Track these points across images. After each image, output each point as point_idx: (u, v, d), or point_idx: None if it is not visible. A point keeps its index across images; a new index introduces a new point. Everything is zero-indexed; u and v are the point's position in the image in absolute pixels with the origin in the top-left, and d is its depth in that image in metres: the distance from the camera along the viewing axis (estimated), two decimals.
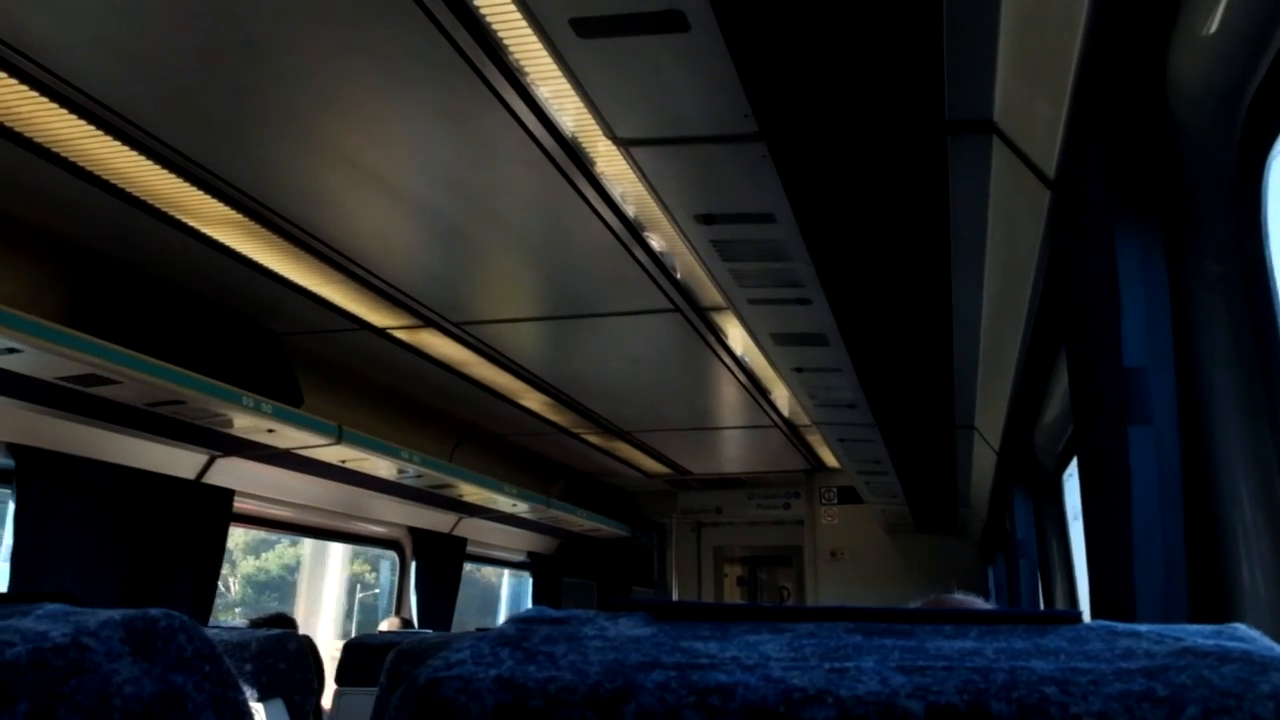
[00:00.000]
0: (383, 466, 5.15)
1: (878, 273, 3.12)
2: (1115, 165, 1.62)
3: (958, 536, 8.36)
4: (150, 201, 3.25)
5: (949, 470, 6.07)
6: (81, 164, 3.00)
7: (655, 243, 3.64)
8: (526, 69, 2.52)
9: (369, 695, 2.98)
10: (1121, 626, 0.66)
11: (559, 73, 2.14)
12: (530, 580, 8.72)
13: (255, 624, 4.60)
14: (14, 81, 2.55)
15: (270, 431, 4.25)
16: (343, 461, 4.92)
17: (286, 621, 4.72)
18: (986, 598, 2.91)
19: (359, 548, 9.10)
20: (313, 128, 2.81)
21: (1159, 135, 1.57)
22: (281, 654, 2.90)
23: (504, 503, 6.49)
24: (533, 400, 5.98)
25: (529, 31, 2.07)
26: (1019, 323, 2.85)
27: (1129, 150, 1.61)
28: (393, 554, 6.89)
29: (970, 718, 0.58)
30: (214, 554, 4.69)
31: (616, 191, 3.21)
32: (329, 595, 11.11)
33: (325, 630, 10.82)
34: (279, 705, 2.82)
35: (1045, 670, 0.61)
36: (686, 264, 3.79)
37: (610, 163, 2.99)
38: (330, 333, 4.61)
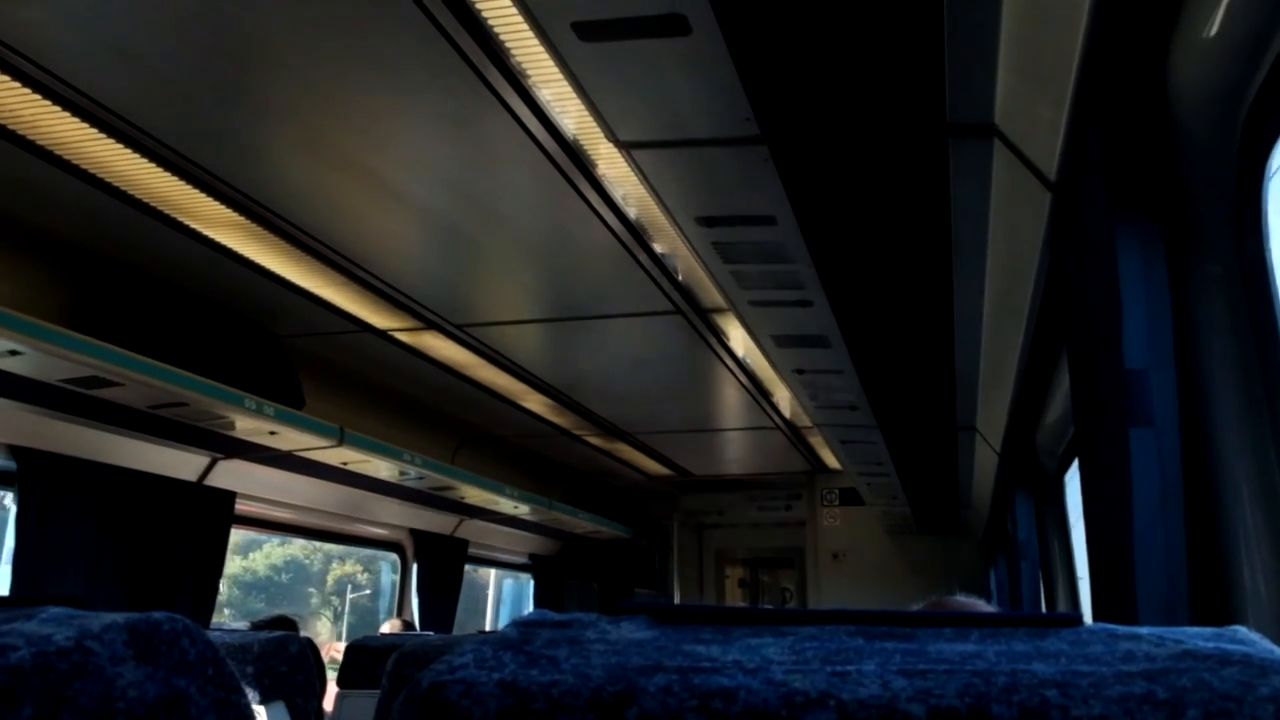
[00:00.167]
0: (384, 468, 5.15)
1: (879, 275, 3.13)
2: (1116, 167, 1.62)
3: (959, 538, 8.36)
4: (152, 204, 3.25)
5: (950, 472, 6.07)
6: (84, 166, 3.00)
7: (657, 245, 3.65)
8: (528, 72, 2.52)
9: (371, 698, 2.98)
10: (1122, 629, 0.66)
11: (561, 76, 2.14)
12: (526, 583, 8.72)
13: (257, 627, 4.60)
14: (17, 84, 2.55)
15: (272, 434, 4.25)
16: (344, 464, 4.92)
17: (288, 624, 4.73)
18: (988, 599, 2.91)
19: (349, 548, 9.11)
20: (315, 130, 2.81)
21: (1160, 137, 1.57)
22: (283, 656, 2.90)
23: (505, 505, 6.49)
24: (534, 402, 5.98)
25: (531, 35, 2.08)
26: (1020, 324, 2.85)
27: (1130, 152, 1.61)
28: (393, 556, 6.90)
29: None
30: (216, 556, 4.70)
31: (618, 194, 3.21)
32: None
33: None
34: (281, 708, 2.83)
35: (1046, 673, 0.61)
36: (688, 266, 3.80)
37: (612, 165, 2.99)
38: (332, 335, 4.61)
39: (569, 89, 2.22)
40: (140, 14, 2.30)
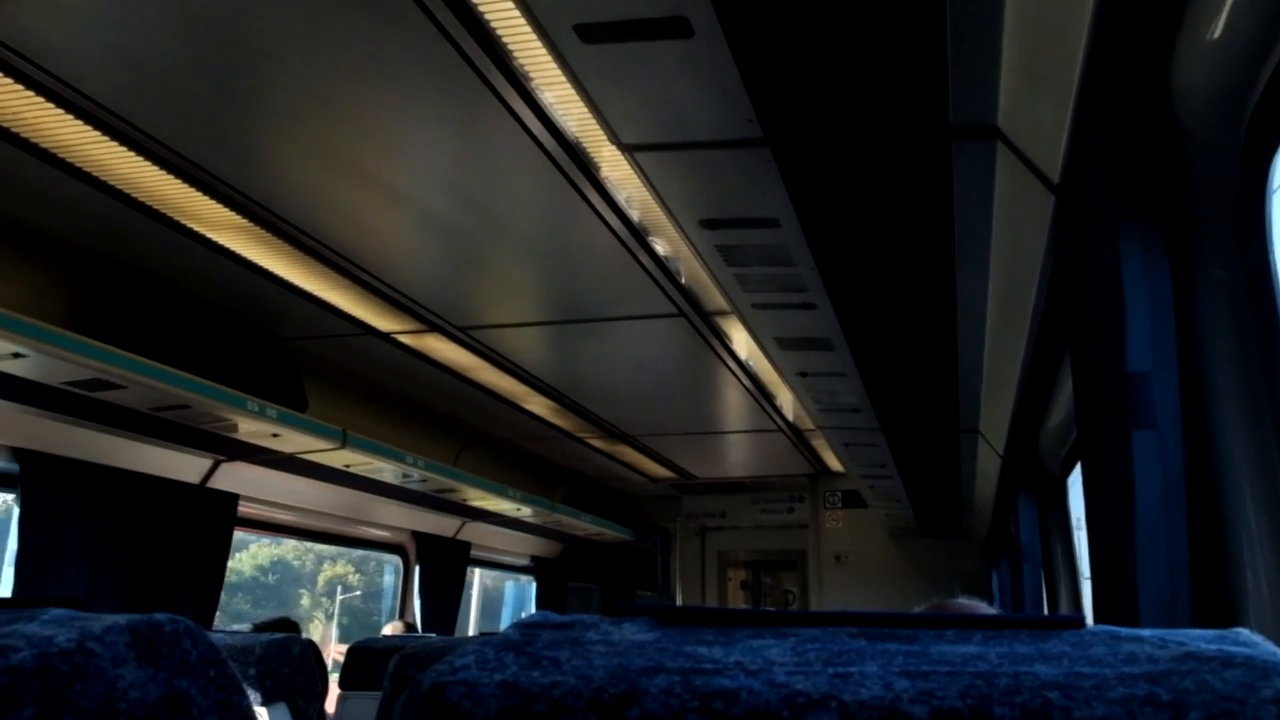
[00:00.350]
0: (387, 471, 5.15)
1: (882, 277, 3.12)
2: (1119, 170, 1.62)
3: (962, 540, 8.35)
4: (155, 206, 3.26)
5: (953, 474, 6.07)
6: (86, 169, 3.00)
7: (660, 248, 3.65)
8: (531, 74, 2.52)
9: (373, 699, 2.98)
10: (1125, 631, 0.66)
11: (563, 78, 2.14)
12: (528, 585, 8.72)
13: (259, 628, 4.60)
14: (20, 87, 2.56)
15: (275, 436, 4.25)
16: (347, 466, 4.93)
17: (290, 626, 4.73)
18: (990, 602, 2.91)
19: (340, 549, 9.11)
20: (318, 133, 2.82)
21: (1163, 140, 1.57)
22: (285, 658, 2.91)
23: (508, 507, 6.49)
24: (537, 405, 5.98)
25: (534, 37, 2.08)
26: (1023, 327, 2.85)
27: (1133, 155, 1.61)
28: (392, 557, 6.90)
29: None
30: (218, 559, 4.70)
31: (621, 196, 3.21)
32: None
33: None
34: (283, 709, 2.83)
35: (1048, 675, 0.61)
36: (691, 269, 3.80)
37: (615, 168, 2.99)
38: (335, 337, 4.61)
39: (571, 91, 2.22)
40: (143, 17, 2.30)
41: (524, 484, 6.79)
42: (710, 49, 1.94)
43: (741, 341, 4.70)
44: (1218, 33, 1.37)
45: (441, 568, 6.83)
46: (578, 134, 2.82)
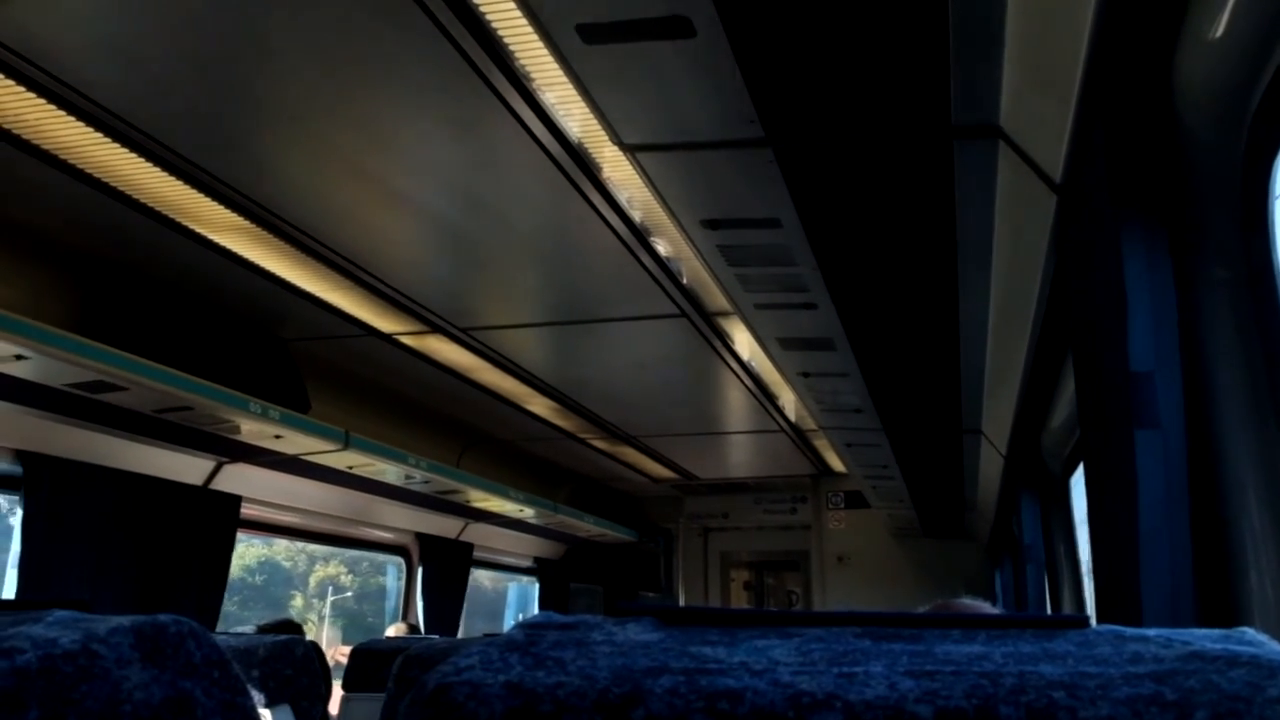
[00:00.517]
0: (390, 472, 5.16)
1: (884, 277, 3.12)
2: (1121, 169, 1.62)
3: (964, 540, 8.35)
4: (157, 208, 3.26)
5: (956, 474, 6.07)
6: (89, 171, 3.01)
7: (661, 248, 3.65)
8: (533, 75, 2.52)
9: (376, 701, 2.98)
10: (1129, 631, 0.66)
11: (565, 79, 2.15)
12: (531, 586, 8.72)
13: (263, 630, 4.61)
14: (21, 89, 2.56)
15: (277, 437, 4.26)
16: (350, 467, 4.93)
17: (294, 628, 4.73)
18: (993, 602, 2.90)
19: (333, 549, 9.08)
20: (319, 134, 2.82)
21: (1165, 139, 1.57)
22: (289, 659, 2.91)
23: (511, 508, 6.49)
24: (539, 405, 5.98)
25: (535, 38, 2.08)
26: (1025, 327, 2.85)
27: (1135, 154, 1.61)
28: (391, 557, 6.91)
29: None
30: (221, 560, 4.71)
31: (623, 197, 3.21)
32: None
33: None
34: (286, 711, 2.83)
35: (1053, 674, 0.61)
36: (693, 269, 3.80)
37: (616, 168, 2.99)
38: (337, 338, 4.62)
39: (573, 92, 2.22)
40: (145, 18, 2.30)
41: (526, 485, 6.79)
42: (712, 49, 1.94)
43: (743, 342, 4.70)
44: (1219, 32, 1.37)
45: (444, 569, 6.84)
46: (579, 134, 2.82)
